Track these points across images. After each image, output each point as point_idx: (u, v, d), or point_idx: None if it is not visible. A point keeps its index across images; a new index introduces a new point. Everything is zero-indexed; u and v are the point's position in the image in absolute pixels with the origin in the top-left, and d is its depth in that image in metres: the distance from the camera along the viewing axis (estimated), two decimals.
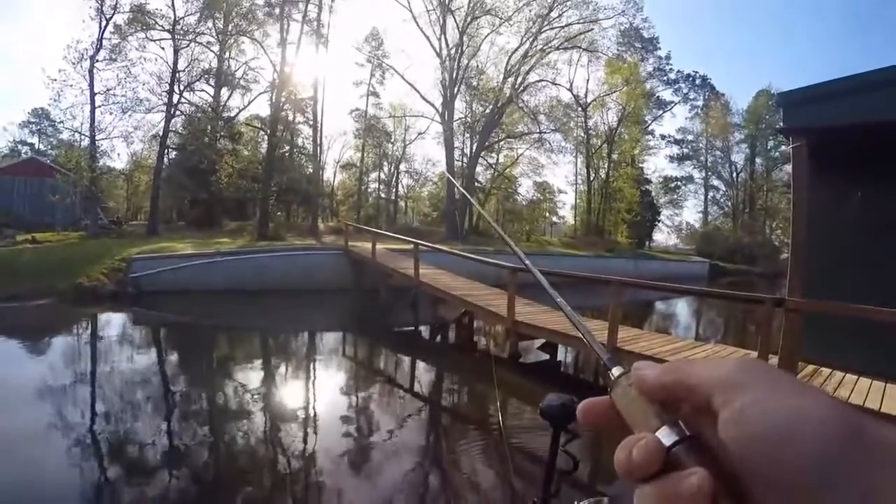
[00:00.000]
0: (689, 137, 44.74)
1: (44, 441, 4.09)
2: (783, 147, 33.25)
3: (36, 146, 39.23)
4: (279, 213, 29.28)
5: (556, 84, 32.83)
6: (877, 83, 4.96)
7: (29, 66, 70.10)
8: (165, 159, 24.65)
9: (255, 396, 5.90)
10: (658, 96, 40.14)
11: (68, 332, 9.28)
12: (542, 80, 31.88)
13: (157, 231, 20.82)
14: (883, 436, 0.24)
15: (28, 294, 11.05)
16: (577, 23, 30.03)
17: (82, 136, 21.86)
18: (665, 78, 40.28)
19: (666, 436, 0.27)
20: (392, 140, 37.85)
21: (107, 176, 24.21)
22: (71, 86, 20.75)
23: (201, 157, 24.62)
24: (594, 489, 3.57)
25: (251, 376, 6.90)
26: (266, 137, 24.79)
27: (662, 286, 8.63)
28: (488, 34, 29.72)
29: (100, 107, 21.02)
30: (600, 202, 34.83)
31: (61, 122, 24.11)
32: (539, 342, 7.87)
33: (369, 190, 40.00)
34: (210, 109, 26.54)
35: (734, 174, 43.85)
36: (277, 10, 23.24)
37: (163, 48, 22.91)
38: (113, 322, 10.57)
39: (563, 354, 7.78)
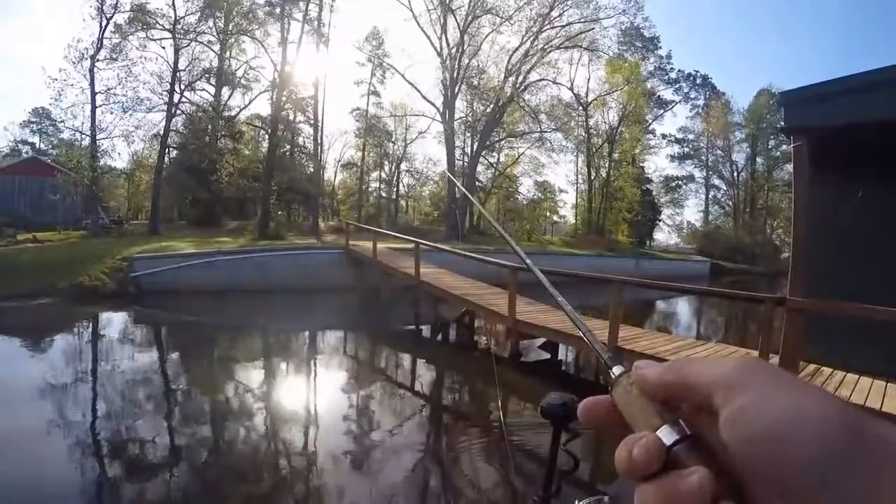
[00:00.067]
0: (690, 137, 44.81)
1: (45, 440, 4.10)
2: (784, 146, 33.25)
3: (37, 146, 39.26)
4: (280, 213, 29.28)
5: (556, 83, 32.86)
6: (878, 82, 4.93)
7: (29, 65, 70.35)
8: (166, 159, 24.70)
9: (257, 395, 5.91)
10: (659, 95, 40.15)
11: (69, 332, 9.29)
12: (543, 80, 31.90)
13: (157, 230, 20.84)
14: (883, 434, 0.24)
15: (29, 293, 11.06)
16: (578, 22, 30.07)
17: (83, 136, 21.92)
18: (666, 77, 40.34)
19: (667, 435, 0.28)
20: (393, 139, 37.86)
21: (108, 175, 24.25)
22: (72, 85, 20.83)
23: (202, 157, 24.66)
24: (595, 488, 3.58)
25: (252, 375, 6.91)
26: (267, 137, 24.80)
27: (663, 285, 8.62)
28: (489, 33, 29.76)
29: (100, 106, 21.07)
30: (601, 201, 34.80)
31: (62, 121, 24.17)
32: (540, 341, 7.87)
33: (370, 189, 40.06)
34: (211, 109, 26.57)
35: (735, 173, 43.84)
36: (278, 10, 23.25)
37: (163, 47, 23.00)
38: (114, 321, 10.59)
39: (564, 353, 7.78)
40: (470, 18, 28.60)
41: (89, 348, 8.22)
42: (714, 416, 0.27)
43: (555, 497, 1.42)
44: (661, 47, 38.38)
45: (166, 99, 22.91)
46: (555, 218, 41.60)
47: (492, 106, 30.20)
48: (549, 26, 29.58)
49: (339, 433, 4.67)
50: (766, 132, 39.66)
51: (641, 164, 39.37)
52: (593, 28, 30.62)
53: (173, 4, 21.89)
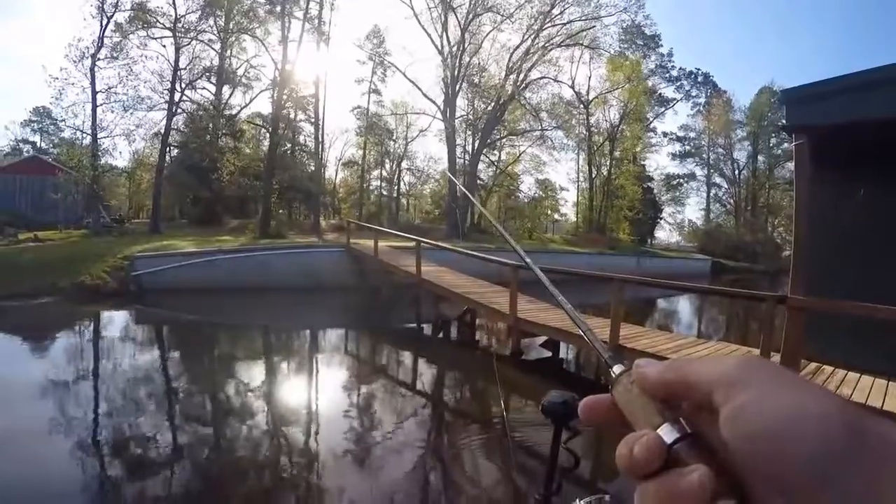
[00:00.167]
0: (692, 135, 44.74)
1: (47, 439, 4.11)
2: (785, 144, 33.19)
3: (38, 145, 39.36)
4: (281, 211, 29.32)
5: (557, 81, 32.82)
6: (880, 80, 4.93)
7: (30, 64, 70.42)
8: (167, 157, 24.70)
9: (258, 393, 5.92)
10: (660, 93, 40.13)
11: (71, 331, 9.31)
12: (544, 78, 31.87)
13: (158, 229, 20.88)
14: (885, 433, 0.24)
15: (30, 292, 11.09)
16: (579, 20, 30.01)
17: (84, 135, 22.00)
18: (667, 75, 40.31)
19: (667, 433, 0.28)
20: (394, 137, 37.83)
21: (109, 174, 24.26)
22: (72, 84, 20.90)
23: (203, 155, 24.68)
24: (596, 486, 3.58)
25: (254, 374, 6.92)
26: (268, 135, 24.80)
27: (664, 283, 8.61)
28: (490, 31, 29.74)
29: (101, 105, 21.13)
30: (602, 199, 34.81)
31: (63, 120, 24.29)
32: (541, 339, 7.88)
33: (371, 187, 40.05)
34: (212, 107, 26.57)
35: (736, 171, 43.81)
36: (279, 8, 23.21)
37: (164, 46, 23.04)
38: (115, 320, 10.61)
39: (566, 352, 7.79)
40: (471, 16, 28.58)
41: (91, 347, 8.24)
42: (714, 415, 0.27)
43: (556, 495, 1.43)
44: (662, 45, 38.43)
45: (167, 97, 22.96)
46: (556, 216, 41.64)
47: (493, 104, 30.19)
48: (550, 24, 29.56)
49: (341, 431, 4.68)
50: (767, 130, 39.59)
51: (642, 162, 39.40)
52: (594, 26, 30.60)
53: (174, 3, 21.97)
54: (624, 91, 33.05)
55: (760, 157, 42.32)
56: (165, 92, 23.03)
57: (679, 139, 44.60)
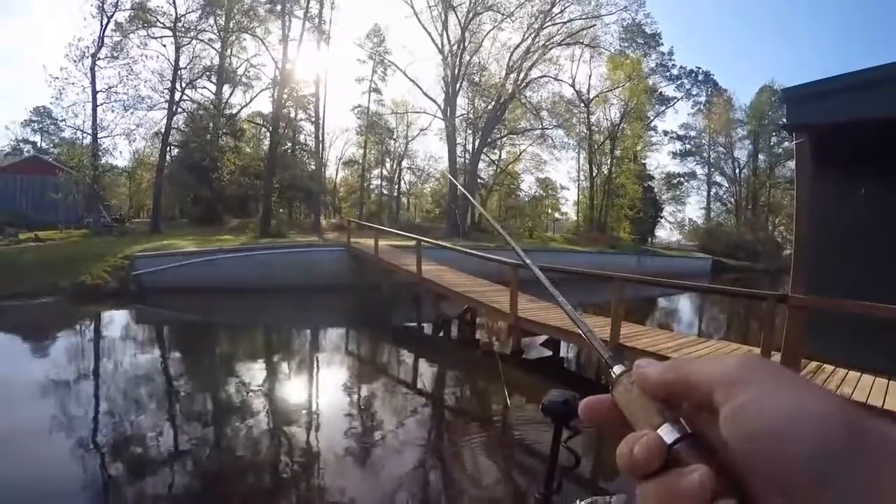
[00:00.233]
0: (692, 133, 44.68)
1: (48, 438, 4.12)
2: (786, 143, 33.16)
3: (38, 144, 39.35)
4: (281, 211, 29.33)
5: (558, 80, 32.81)
6: (881, 79, 4.92)
7: (31, 64, 70.41)
8: (168, 157, 24.68)
9: (259, 393, 5.92)
10: (660, 92, 40.06)
11: (71, 330, 9.31)
12: (545, 76, 31.87)
13: (159, 229, 20.89)
14: (884, 432, 0.24)
15: (31, 292, 11.09)
16: (580, 18, 30.01)
17: (84, 134, 22.00)
18: (668, 74, 40.26)
19: (668, 433, 0.28)
20: (394, 136, 37.83)
21: (109, 174, 24.26)
22: (73, 84, 20.90)
23: (203, 155, 24.68)
24: (596, 485, 3.59)
25: (255, 373, 6.92)
26: (268, 134, 24.80)
27: (665, 282, 8.60)
28: (490, 30, 29.74)
29: (102, 105, 21.15)
30: (603, 198, 34.79)
31: (63, 120, 24.33)
32: (542, 338, 7.88)
33: (371, 186, 40.05)
34: (212, 106, 26.58)
35: (737, 170, 43.76)
36: (279, 7, 23.18)
37: (164, 45, 23.04)
38: (116, 320, 10.62)
39: (566, 350, 7.79)
40: (471, 15, 28.57)
41: (91, 347, 8.25)
42: (714, 415, 0.27)
43: (556, 493, 1.43)
44: (662, 44, 38.38)
45: (167, 97, 22.96)
46: (556, 215, 41.67)
47: (493, 103, 30.19)
48: (550, 23, 29.56)
49: (342, 429, 4.68)
50: (768, 129, 39.55)
51: (643, 161, 39.38)
52: (595, 24, 30.61)
53: (174, 2, 21.95)
54: (624, 90, 33.04)
55: (761, 156, 42.32)
56: (166, 91, 23.08)
57: (680, 138, 44.60)
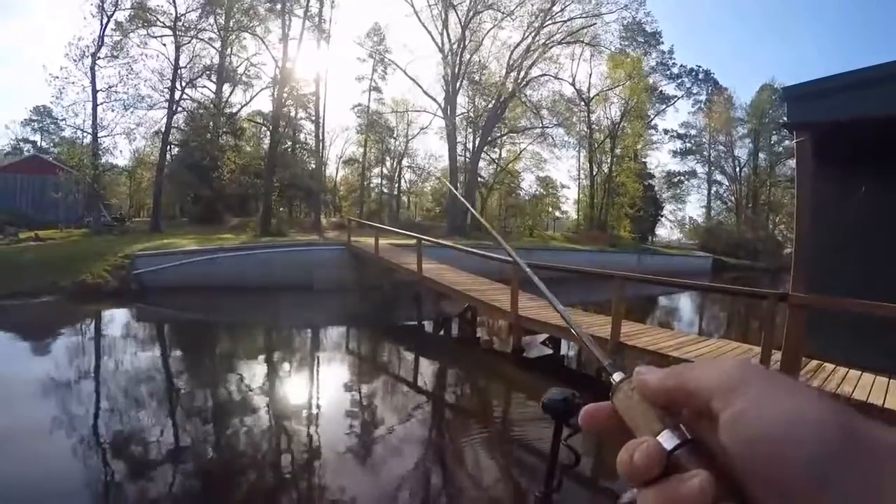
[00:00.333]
0: (692, 132, 44.63)
1: (49, 437, 4.12)
2: (787, 142, 33.13)
3: (38, 144, 39.27)
4: (282, 209, 29.33)
5: (558, 78, 32.73)
6: (882, 78, 4.92)
7: (31, 64, 70.36)
8: (168, 156, 24.67)
9: (260, 391, 5.93)
10: (661, 91, 40.01)
11: (72, 329, 9.32)
12: (545, 75, 31.78)
13: (159, 228, 20.90)
14: (877, 435, 0.25)
15: (31, 291, 11.10)
16: (580, 17, 29.94)
17: (84, 134, 21.98)
18: (668, 72, 40.19)
19: (667, 439, 0.28)
20: (394, 135, 37.80)
21: (109, 173, 24.28)
22: (73, 83, 20.82)
23: (204, 154, 24.68)
24: (596, 483, 3.59)
25: (255, 371, 6.93)
26: (268, 133, 24.77)
27: (665, 281, 8.61)
28: (490, 29, 29.66)
29: (102, 104, 21.08)
30: (603, 197, 34.77)
31: (63, 119, 24.33)
32: (542, 337, 7.88)
33: (372, 185, 40.02)
34: (212, 106, 26.57)
35: (737, 169, 43.71)
36: (279, 6, 23.13)
37: (164, 45, 23.00)
38: (116, 318, 10.62)
39: (566, 349, 7.79)
40: (471, 14, 28.53)
41: (92, 345, 8.25)
42: (714, 421, 0.27)
43: (556, 491, 1.43)
44: (663, 42, 38.31)
45: (167, 96, 22.94)
46: (557, 213, 41.67)
47: (493, 101, 30.15)
48: (550, 21, 29.51)
49: (342, 428, 4.69)
50: (768, 127, 39.50)
51: (643, 160, 39.33)
52: (595, 23, 30.55)
53: (174, 2, 21.91)
54: (625, 88, 33.00)
55: (761, 155, 42.27)
56: (166, 90, 23.05)
57: (680, 136, 44.58)
